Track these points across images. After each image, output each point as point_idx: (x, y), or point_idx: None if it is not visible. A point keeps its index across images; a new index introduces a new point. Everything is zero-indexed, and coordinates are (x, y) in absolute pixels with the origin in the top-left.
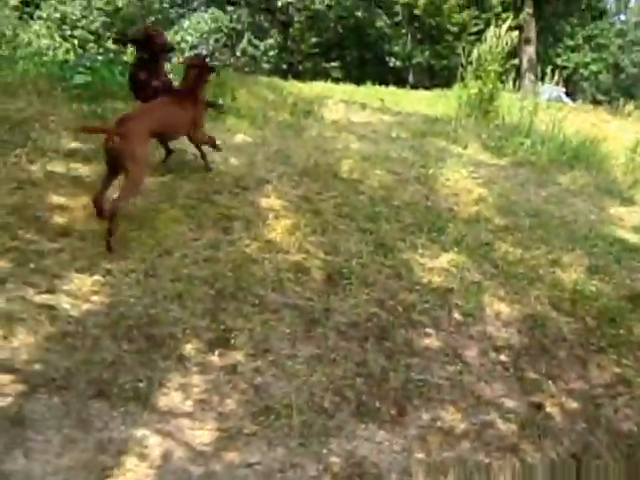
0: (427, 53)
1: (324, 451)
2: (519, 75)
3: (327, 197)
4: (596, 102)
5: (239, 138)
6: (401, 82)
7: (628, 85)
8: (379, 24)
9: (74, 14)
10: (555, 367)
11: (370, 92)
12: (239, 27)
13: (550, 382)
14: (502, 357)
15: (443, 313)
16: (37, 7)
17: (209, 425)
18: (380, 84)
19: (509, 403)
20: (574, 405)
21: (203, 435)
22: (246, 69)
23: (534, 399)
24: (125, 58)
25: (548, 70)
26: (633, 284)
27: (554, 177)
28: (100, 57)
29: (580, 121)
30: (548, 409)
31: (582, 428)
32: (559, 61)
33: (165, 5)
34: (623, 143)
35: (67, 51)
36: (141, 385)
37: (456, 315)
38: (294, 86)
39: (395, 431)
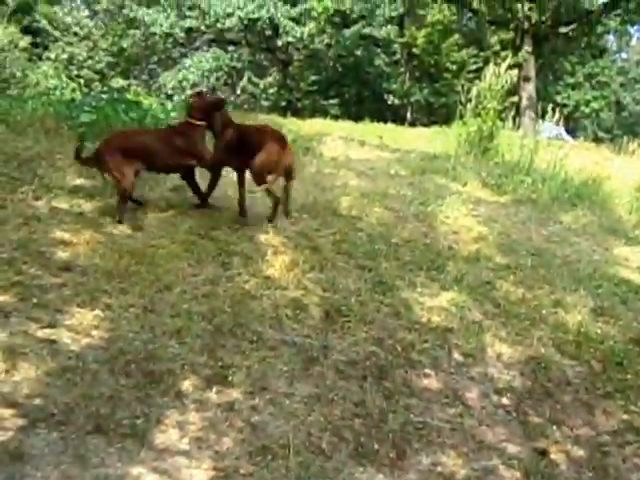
0: (425, 91)
1: None
2: (519, 113)
3: (326, 234)
4: (598, 140)
5: None
6: (399, 119)
7: (631, 123)
8: (377, 62)
9: (81, 55)
10: (559, 412)
11: (369, 129)
12: (240, 66)
13: (554, 427)
14: (504, 400)
15: (443, 353)
16: (46, 48)
17: (205, 464)
18: (378, 121)
19: (512, 449)
20: (580, 453)
21: (199, 474)
22: (245, 106)
23: (538, 445)
24: (128, 96)
25: (549, 108)
26: None
27: (556, 216)
28: (105, 96)
29: (582, 159)
30: (553, 456)
31: (589, 477)
32: (559, 99)
33: (168, 45)
34: (627, 182)
35: (73, 90)
36: (138, 421)
37: (456, 355)
38: (293, 123)
39: (394, 475)
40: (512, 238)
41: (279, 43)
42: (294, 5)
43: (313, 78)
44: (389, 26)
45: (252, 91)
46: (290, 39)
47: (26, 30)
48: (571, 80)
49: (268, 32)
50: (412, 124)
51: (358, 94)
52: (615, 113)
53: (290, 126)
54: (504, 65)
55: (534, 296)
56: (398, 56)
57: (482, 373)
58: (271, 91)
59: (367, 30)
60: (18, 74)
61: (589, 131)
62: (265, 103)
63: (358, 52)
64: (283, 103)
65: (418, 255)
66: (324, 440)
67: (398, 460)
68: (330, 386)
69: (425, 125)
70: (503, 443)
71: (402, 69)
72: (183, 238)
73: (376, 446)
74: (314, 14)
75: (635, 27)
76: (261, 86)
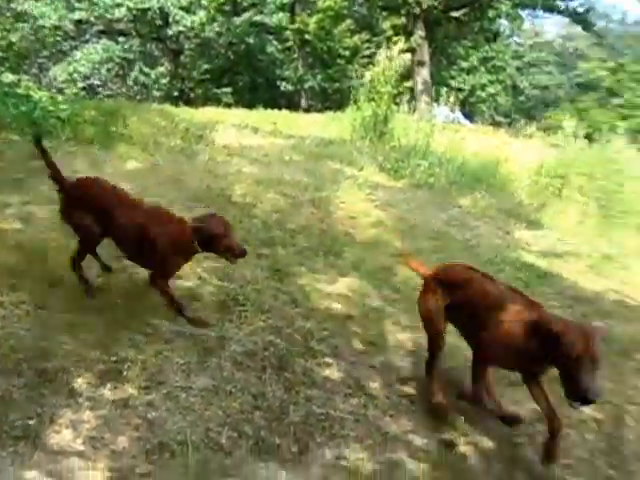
0: (319, 77)
1: None
2: (414, 98)
3: None
4: (496, 124)
5: (131, 165)
6: (294, 106)
7: (528, 107)
8: (270, 50)
9: None
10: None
11: (262, 116)
12: (130, 56)
13: (462, 418)
14: (408, 389)
15: (343, 341)
16: None
17: (101, 464)
18: (272, 109)
19: (418, 440)
20: (489, 444)
21: (95, 476)
22: (138, 97)
23: (445, 436)
24: (19, 90)
25: (443, 92)
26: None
27: (454, 199)
28: None
29: (480, 143)
30: (461, 448)
31: (498, 469)
32: (455, 83)
33: (58, 38)
34: (526, 165)
35: None
36: (31, 422)
37: (357, 344)
38: (186, 112)
39: (297, 470)
40: (411, 222)
41: (169, 32)
42: None
43: (205, 67)
44: (280, 13)
45: (144, 81)
46: (181, 28)
47: None
48: (466, 64)
49: (158, 22)
50: (307, 111)
51: (251, 82)
52: (512, 97)
53: (183, 115)
54: (396, 49)
55: None
56: (290, 43)
57: (384, 362)
58: (163, 81)
59: (258, 17)
60: None
61: (487, 115)
62: (157, 93)
63: (250, 40)
64: (176, 93)
65: (315, 241)
66: (223, 435)
67: (301, 454)
68: (228, 378)
69: (320, 111)
70: (409, 435)
71: (295, 56)
72: None
73: (277, 440)
74: (204, 2)
75: (526, 11)
76: (153, 76)
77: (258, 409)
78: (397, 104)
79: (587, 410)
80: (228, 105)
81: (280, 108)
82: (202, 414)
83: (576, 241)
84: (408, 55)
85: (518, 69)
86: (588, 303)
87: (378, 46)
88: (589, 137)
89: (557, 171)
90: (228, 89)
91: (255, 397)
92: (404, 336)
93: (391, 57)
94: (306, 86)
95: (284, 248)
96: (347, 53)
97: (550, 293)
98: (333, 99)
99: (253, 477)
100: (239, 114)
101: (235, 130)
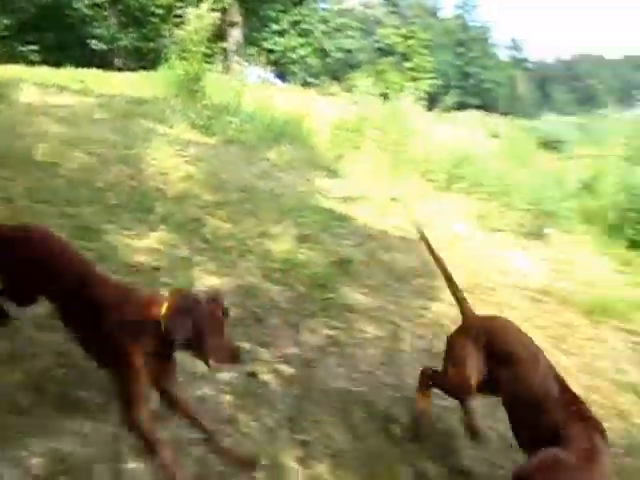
0: (132, 36)
1: (23, 454)
2: (228, 58)
3: (20, 183)
4: (306, 84)
5: None
6: (107, 65)
7: (335, 69)
8: (77, 5)
9: None
10: (268, 335)
11: (71, 75)
12: None
13: (264, 350)
14: None
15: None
16: None
17: None
18: (84, 68)
19: (224, 376)
20: (289, 370)
21: None
22: None
23: (249, 369)
24: None
25: (254, 52)
26: (340, 250)
27: (263, 153)
28: None
29: (290, 101)
30: (263, 376)
31: (297, 392)
32: (267, 45)
33: None
34: (328, 120)
35: None
36: None
37: (165, 293)
38: None
39: (103, 420)
40: (221, 177)
41: None
42: None
43: (5, 22)
44: None
45: None
46: None
47: None
48: (277, 27)
49: None
50: (121, 70)
51: (59, 39)
52: (321, 59)
53: None
54: (204, 7)
55: (241, 230)
56: None
57: None
58: None
59: None
60: None
61: (299, 76)
62: None
63: None
64: None
65: (124, 198)
66: (23, 397)
67: (107, 404)
68: (30, 341)
69: (134, 71)
70: (216, 372)
71: (106, 13)
72: None
73: (84, 394)
74: None
75: None
76: None
77: (62, 367)
78: (210, 63)
79: (369, 328)
80: (34, 63)
81: (92, 67)
82: None
83: (369, 187)
84: (218, 14)
85: (325, 33)
86: (376, 240)
87: (191, 5)
88: (385, 96)
89: (355, 125)
90: (34, 47)
91: (60, 355)
92: (211, 281)
93: (200, 16)
94: (120, 45)
95: (91, 206)
96: (161, 12)
97: (345, 233)
98: (148, 58)
99: (57, 433)
100: (45, 73)
101: (40, 89)
